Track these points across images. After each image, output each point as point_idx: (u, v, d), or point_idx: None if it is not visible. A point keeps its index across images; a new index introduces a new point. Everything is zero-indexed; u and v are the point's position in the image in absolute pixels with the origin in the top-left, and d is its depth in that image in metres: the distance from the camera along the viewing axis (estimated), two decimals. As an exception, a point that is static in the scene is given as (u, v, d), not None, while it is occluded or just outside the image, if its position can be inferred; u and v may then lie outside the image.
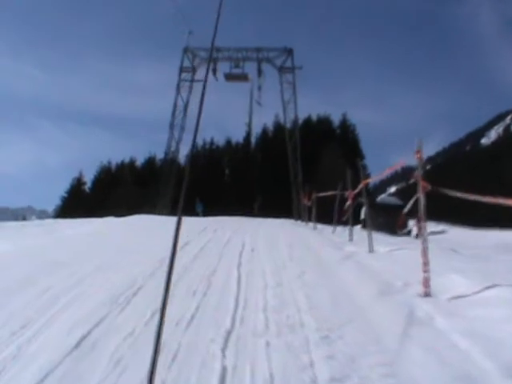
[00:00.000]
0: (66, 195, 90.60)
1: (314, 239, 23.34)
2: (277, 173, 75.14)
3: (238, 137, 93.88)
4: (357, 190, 21.60)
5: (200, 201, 52.70)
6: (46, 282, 11.81)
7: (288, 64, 42.64)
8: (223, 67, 42.34)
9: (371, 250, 17.23)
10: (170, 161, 44.58)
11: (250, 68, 43.47)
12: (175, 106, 41.89)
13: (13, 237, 22.01)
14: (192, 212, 51.84)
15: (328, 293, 10.98)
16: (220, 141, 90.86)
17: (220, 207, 60.31)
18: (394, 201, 53.38)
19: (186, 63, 42.50)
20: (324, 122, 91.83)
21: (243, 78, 41.19)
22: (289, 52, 41.78)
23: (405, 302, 9.58)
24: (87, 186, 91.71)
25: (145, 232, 25.61)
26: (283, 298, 10.57)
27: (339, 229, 27.75)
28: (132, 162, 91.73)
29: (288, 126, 47.34)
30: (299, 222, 38.01)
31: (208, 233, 23.44)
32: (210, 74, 41.51)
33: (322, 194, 29.50)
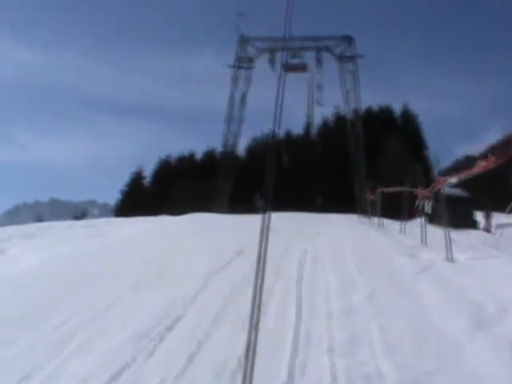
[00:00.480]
0: (125, 189, 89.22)
1: (381, 242, 21.05)
2: (338, 165, 72.52)
3: (297, 129, 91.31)
4: (435, 190, 19.31)
5: (260, 197, 50.76)
6: (68, 308, 9.93)
7: (348, 52, 39.76)
8: (280, 57, 40.19)
9: (450, 259, 14.94)
10: (228, 155, 42.10)
11: (308, 58, 41.43)
12: (232, 97, 39.77)
13: (54, 241, 20.36)
14: (251, 207, 50.01)
15: (408, 323, 8.76)
16: (280, 133, 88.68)
17: (280, 201, 58.11)
18: (460, 193, 50.70)
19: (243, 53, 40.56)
20: (385, 111, 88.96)
21: (302, 68, 38.69)
22: (349, 40, 39.04)
23: (508, 339, 7.43)
24: (147, 180, 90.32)
25: (195, 236, 23.53)
26: (353, 331, 8.41)
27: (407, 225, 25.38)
28: (191, 156, 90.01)
29: (349, 116, 43.63)
30: (363, 217, 35.96)
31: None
32: (268, 64, 39.57)
33: (389, 190, 27.00)
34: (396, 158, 70.56)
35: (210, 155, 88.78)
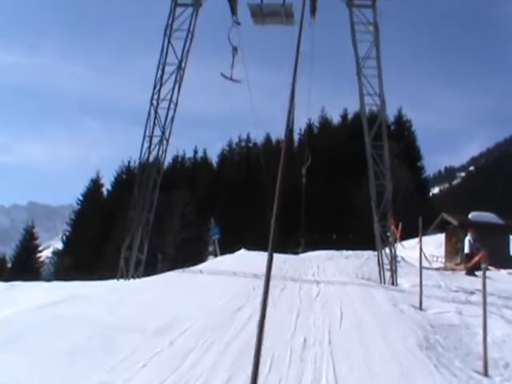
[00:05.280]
0: (82, 199, 71.61)
1: None
2: (330, 181, 56.17)
3: (278, 133, 73.84)
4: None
5: (216, 223, 33.09)
6: None
7: None
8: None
9: None
10: (145, 169, 22.24)
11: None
12: (162, 66, 20.69)
13: None
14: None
15: None
16: (258, 137, 71.30)
17: (252, 233, 41.74)
18: (494, 219, 35.73)
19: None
20: (376, 118, 72.33)
21: (284, 14, 20.42)
22: None
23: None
24: (106, 188, 72.48)
25: None
26: None
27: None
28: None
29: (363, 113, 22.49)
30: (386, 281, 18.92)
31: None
32: (228, 9, 21.09)
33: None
34: (391, 171, 54.73)
35: (177, 162, 72.33)
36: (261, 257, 23.81)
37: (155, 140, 20.44)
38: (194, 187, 63.44)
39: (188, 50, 20.29)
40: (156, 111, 20.17)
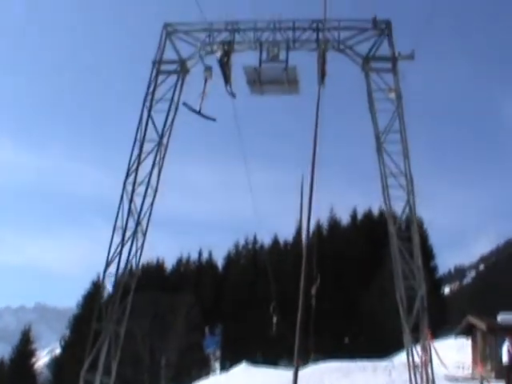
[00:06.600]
0: (82, 302, 67.94)
1: None
2: (340, 283, 52.50)
3: (286, 235, 70.62)
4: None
5: (211, 334, 28.23)
6: None
7: (383, 52, 17.03)
8: (246, 59, 17.65)
9: None
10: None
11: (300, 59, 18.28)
12: (140, 143, 16.70)
13: None
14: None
15: None
16: (265, 239, 68.11)
17: (257, 340, 37.73)
18: None
19: (169, 55, 17.47)
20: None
21: (286, 81, 16.61)
22: (383, 29, 16.62)
23: None
24: (107, 292, 67.85)
25: None
26: None
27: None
28: (160, 265, 68.39)
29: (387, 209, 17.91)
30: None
31: None
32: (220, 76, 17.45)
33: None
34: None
35: (181, 265, 69.28)
36: (263, 376, 19.54)
37: (128, 233, 16.42)
38: (199, 290, 59.82)
39: (172, 123, 16.46)
40: (131, 198, 16.11)
